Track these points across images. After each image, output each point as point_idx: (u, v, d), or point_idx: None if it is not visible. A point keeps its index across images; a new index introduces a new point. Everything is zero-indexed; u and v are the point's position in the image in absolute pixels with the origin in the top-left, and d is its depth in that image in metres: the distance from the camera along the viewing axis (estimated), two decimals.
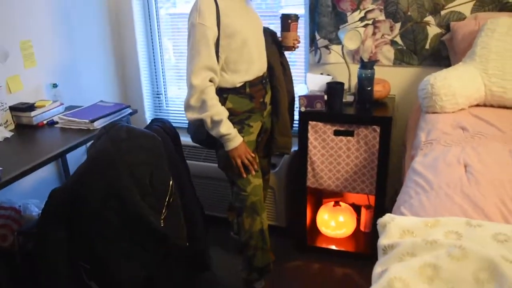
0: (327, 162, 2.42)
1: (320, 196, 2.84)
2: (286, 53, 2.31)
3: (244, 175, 2.05)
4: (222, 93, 1.99)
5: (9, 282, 1.91)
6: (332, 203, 2.69)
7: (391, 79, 2.54)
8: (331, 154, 2.40)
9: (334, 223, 2.63)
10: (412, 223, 0.97)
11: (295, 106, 2.39)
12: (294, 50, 2.25)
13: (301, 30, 2.69)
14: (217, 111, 1.90)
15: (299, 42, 2.23)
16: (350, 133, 2.34)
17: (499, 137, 1.61)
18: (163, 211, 1.81)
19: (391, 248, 0.92)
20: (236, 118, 2.03)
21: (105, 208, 1.69)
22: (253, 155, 2.04)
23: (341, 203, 2.69)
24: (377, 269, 0.90)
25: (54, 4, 2.57)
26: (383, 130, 2.26)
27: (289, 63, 2.33)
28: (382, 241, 0.95)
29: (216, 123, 1.91)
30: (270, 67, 2.18)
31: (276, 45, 2.23)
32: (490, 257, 0.82)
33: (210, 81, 1.89)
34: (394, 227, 0.96)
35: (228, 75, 1.97)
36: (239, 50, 1.94)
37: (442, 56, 2.45)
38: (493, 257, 0.82)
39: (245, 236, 2.17)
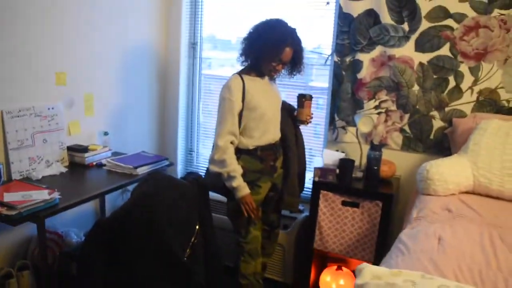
0: (334, 228, 2.71)
1: (325, 260, 3.09)
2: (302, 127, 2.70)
3: (249, 215, 2.36)
4: (237, 153, 2.34)
5: None
6: (335, 267, 2.94)
7: (398, 162, 2.87)
8: (338, 221, 2.70)
9: (335, 286, 2.87)
10: (381, 271, 1.27)
11: (310, 176, 2.74)
12: (307, 124, 2.58)
13: (323, 111, 3.09)
14: (234, 168, 2.28)
15: (311, 118, 2.55)
16: (356, 205, 2.64)
17: (476, 220, 1.90)
18: (188, 249, 2.13)
19: (361, 287, 1.22)
20: (247, 178, 2.35)
21: (143, 241, 2.02)
22: (255, 206, 2.35)
23: (343, 267, 2.94)
24: None
25: (117, 64, 3.06)
26: (385, 205, 2.56)
27: (303, 135, 2.70)
28: (357, 281, 1.25)
29: (231, 177, 2.29)
30: (284, 136, 2.54)
31: (292, 119, 2.60)
32: None
33: (231, 143, 2.30)
34: (367, 272, 1.26)
35: (244, 139, 2.35)
36: (257, 121, 2.34)
37: (444, 146, 2.78)
38: None
39: (240, 278, 2.51)
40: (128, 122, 3.25)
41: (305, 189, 2.80)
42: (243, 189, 2.32)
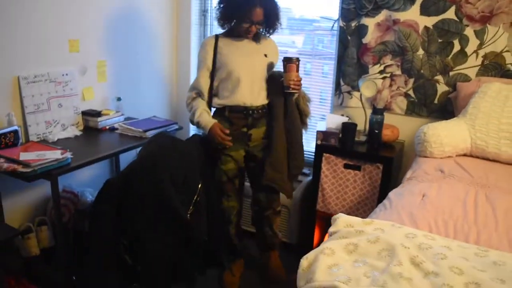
0: (336, 191, 2.80)
1: (329, 221, 3.19)
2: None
3: (228, 144, 2.43)
4: (214, 115, 2.50)
5: (66, 249, 2.38)
6: None
7: (402, 126, 2.91)
8: (340, 184, 2.78)
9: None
10: (353, 220, 1.35)
11: (310, 147, 2.69)
12: (292, 90, 2.36)
13: (329, 76, 3.13)
14: (194, 105, 2.46)
15: (296, 83, 2.34)
16: (357, 168, 2.71)
17: (466, 180, 1.96)
18: (191, 207, 2.25)
19: (334, 233, 1.31)
20: (217, 145, 2.43)
21: (147, 197, 2.15)
22: (227, 131, 2.41)
23: None
24: (321, 245, 1.29)
25: (129, 31, 3.15)
26: (385, 168, 2.63)
27: (295, 105, 2.52)
28: (330, 229, 1.34)
29: (193, 115, 2.45)
30: (270, 105, 2.51)
31: (281, 87, 2.44)
32: (393, 243, 1.19)
33: (196, 95, 2.51)
34: (341, 221, 1.35)
35: (215, 98, 2.48)
36: (226, 81, 2.42)
37: (448, 110, 2.80)
38: (395, 243, 1.19)
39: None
40: (141, 88, 3.37)
41: (305, 156, 2.70)
42: (207, 121, 2.41)
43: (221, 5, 2.37)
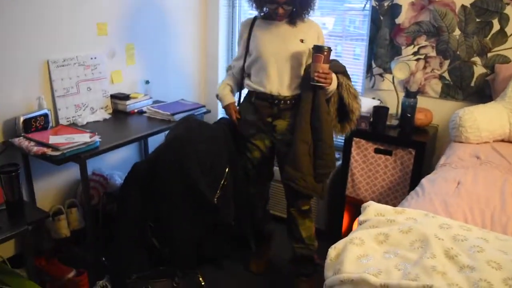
0: (366, 176, 2.73)
1: (359, 207, 3.13)
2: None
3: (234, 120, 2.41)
4: (244, 98, 2.45)
5: (95, 231, 2.41)
6: None
7: (436, 110, 2.80)
8: (370, 169, 2.71)
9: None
10: (385, 209, 1.30)
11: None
12: (316, 83, 2.09)
13: (361, 59, 3.03)
14: (223, 81, 2.51)
15: (319, 74, 2.06)
16: (388, 152, 2.64)
17: (503, 167, 1.87)
18: (218, 191, 2.24)
19: (364, 222, 1.26)
20: (242, 130, 2.39)
21: (174, 180, 2.15)
22: (238, 116, 2.40)
23: None
24: (350, 234, 1.25)
25: (157, 14, 3.12)
26: (418, 153, 2.54)
27: (323, 100, 2.20)
28: (360, 217, 1.30)
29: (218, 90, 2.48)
30: (299, 99, 2.25)
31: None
32: (426, 233, 1.14)
33: (229, 70, 2.53)
34: (371, 209, 1.30)
35: (247, 79, 2.39)
36: (256, 61, 2.29)
37: (485, 94, 2.68)
38: (429, 234, 1.14)
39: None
40: (169, 71, 3.35)
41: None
42: (225, 97, 2.43)
43: None
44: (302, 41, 2.23)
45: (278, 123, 2.32)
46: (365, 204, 1.35)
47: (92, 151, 2.21)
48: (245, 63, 2.36)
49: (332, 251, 1.18)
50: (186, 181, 2.10)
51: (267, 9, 2.23)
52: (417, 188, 1.70)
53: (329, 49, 2.06)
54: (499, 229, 1.34)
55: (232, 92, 2.48)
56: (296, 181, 2.22)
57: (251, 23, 2.32)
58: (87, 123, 2.63)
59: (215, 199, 2.21)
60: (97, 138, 2.26)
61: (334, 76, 2.17)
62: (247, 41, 2.32)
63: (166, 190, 2.16)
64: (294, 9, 2.18)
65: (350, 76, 2.32)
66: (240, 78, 2.44)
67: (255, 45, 2.28)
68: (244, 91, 2.48)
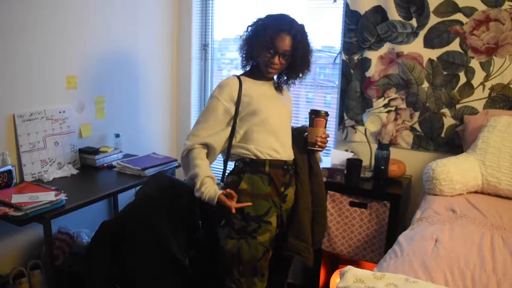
0: (342, 230, 2.69)
1: (336, 262, 3.06)
2: None
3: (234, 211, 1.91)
4: (239, 171, 2.00)
5: None
6: None
7: (409, 161, 2.81)
8: (346, 222, 2.67)
9: None
10: (364, 274, 1.25)
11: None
12: (318, 148, 2.03)
13: (332, 105, 3.05)
14: (195, 172, 1.94)
15: (322, 139, 2.02)
16: (363, 205, 2.61)
17: (479, 221, 1.85)
18: (190, 250, 2.15)
19: None
20: (253, 211, 1.95)
21: (144, 241, 2.06)
22: (234, 194, 1.92)
23: None
24: None
25: (128, 67, 3.11)
26: (393, 206, 2.52)
27: (319, 164, 2.18)
28: (339, 284, 1.24)
29: (194, 183, 1.94)
30: (295, 164, 2.09)
31: (304, 143, 2.09)
32: None
33: (202, 145, 1.99)
34: (350, 275, 1.25)
35: (249, 144, 1.98)
36: (262, 125, 1.98)
37: (455, 144, 2.71)
38: None
39: None
40: (140, 124, 3.30)
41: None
42: (210, 193, 1.92)
43: (248, 27, 2.02)
44: (289, 105, 2.17)
45: (289, 192, 2.06)
46: (343, 270, 1.30)
47: (58, 210, 2.11)
48: (234, 131, 2.01)
49: None
50: (157, 242, 2.01)
51: (251, 64, 2.07)
52: (395, 247, 1.66)
53: (327, 114, 2.04)
54: None
55: (214, 182, 2.00)
56: (301, 252, 2.03)
57: (239, 85, 2.00)
58: (54, 179, 2.54)
59: (187, 259, 2.12)
60: (63, 197, 2.16)
61: None
62: (237, 105, 1.98)
63: (136, 251, 2.06)
64: (286, 72, 2.07)
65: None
66: (226, 150, 2.07)
67: (258, 107, 1.97)
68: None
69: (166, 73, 3.47)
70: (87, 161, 2.79)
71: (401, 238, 1.75)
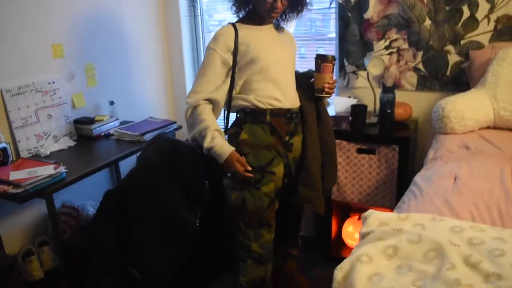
0: (351, 178, 2.63)
1: (347, 211, 3.03)
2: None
3: (247, 175, 1.91)
4: (240, 122, 1.98)
5: (66, 269, 2.22)
6: (357, 216, 2.88)
7: (414, 103, 2.73)
8: (354, 170, 2.61)
9: (358, 235, 2.81)
10: (387, 217, 1.19)
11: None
12: (326, 94, 1.99)
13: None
14: (204, 125, 1.89)
15: (329, 85, 1.98)
16: (372, 151, 2.54)
17: (496, 156, 1.79)
18: (198, 214, 2.09)
19: (367, 234, 1.15)
20: (255, 161, 1.92)
21: (150, 208, 2.00)
22: (249, 168, 1.91)
23: None
24: (354, 250, 1.13)
25: (115, 32, 2.96)
26: (402, 149, 2.45)
27: (327, 111, 2.15)
28: (362, 229, 1.18)
29: (202, 137, 1.90)
30: (301, 110, 2.04)
31: (311, 89, 2.05)
32: (439, 241, 1.03)
33: (206, 101, 1.93)
34: (373, 219, 1.18)
35: (248, 95, 1.94)
36: (261, 74, 1.92)
37: (462, 82, 2.62)
38: (442, 241, 1.03)
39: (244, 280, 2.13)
40: (134, 89, 3.19)
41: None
42: (223, 148, 1.88)
43: None
44: (288, 49, 2.08)
45: (295, 141, 2.04)
46: (365, 214, 1.23)
47: (59, 184, 2.04)
48: (233, 82, 1.95)
49: (339, 272, 1.05)
50: (164, 207, 1.95)
51: (245, 9, 1.99)
52: (413, 188, 1.59)
53: (334, 58, 1.96)
54: (510, 224, 1.24)
55: (223, 138, 1.95)
56: (314, 202, 2.02)
57: (235, 33, 1.92)
58: (51, 153, 2.45)
59: (197, 223, 2.07)
60: (62, 169, 2.09)
61: None
62: (235, 54, 1.91)
63: (142, 219, 2.00)
64: (286, 11, 2.00)
65: None
66: (226, 102, 2.02)
67: (256, 55, 1.90)
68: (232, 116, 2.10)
69: (155, 33, 3.32)
70: (83, 132, 2.70)
71: (418, 178, 1.68)
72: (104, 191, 2.15)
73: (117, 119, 2.84)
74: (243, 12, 2.01)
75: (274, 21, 2.04)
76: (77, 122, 2.70)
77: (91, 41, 2.80)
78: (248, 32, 1.95)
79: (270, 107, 1.93)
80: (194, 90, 1.95)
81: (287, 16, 2.04)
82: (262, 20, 1.99)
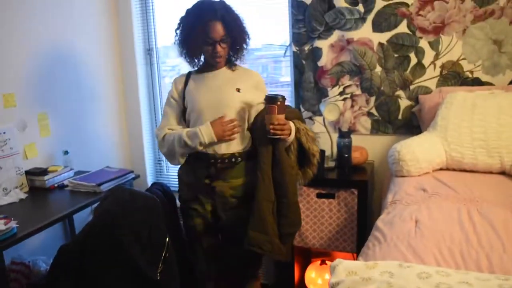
0: (312, 223, 2.64)
1: (309, 256, 3.02)
2: None
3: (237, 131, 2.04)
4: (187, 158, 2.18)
5: None
6: (319, 261, 2.87)
7: (370, 146, 2.81)
8: (315, 215, 2.62)
9: (321, 281, 2.80)
10: (355, 265, 1.19)
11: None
12: (272, 136, 1.94)
13: (288, 103, 3.00)
14: (177, 133, 2.08)
15: (274, 126, 1.92)
16: (331, 196, 2.57)
17: (452, 197, 1.84)
18: (160, 265, 2.02)
19: (337, 285, 1.14)
20: (183, 195, 2.20)
21: (109, 261, 1.91)
22: (236, 123, 2.04)
23: (327, 261, 2.87)
24: None
25: (70, 80, 2.91)
26: (361, 193, 2.50)
27: (284, 152, 2.05)
28: (332, 280, 1.17)
29: (183, 142, 2.04)
30: (257, 152, 2.06)
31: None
32: None
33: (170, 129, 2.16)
34: (341, 268, 1.18)
35: None
36: (198, 120, 2.08)
37: (413, 125, 2.73)
38: None
39: None
40: (90, 137, 3.11)
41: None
42: (201, 127, 2.02)
43: (177, 31, 2.07)
44: (238, 90, 2.07)
45: (218, 185, 2.09)
46: (333, 263, 1.23)
47: (9, 240, 1.91)
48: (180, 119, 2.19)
49: None
50: (123, 260, 1.87)
51: (200, 61, 2.14)
52: (376, 233, 1.61)
53: (283, 98, 1.93)
54: (473, 266, 1.27)
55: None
56: (262, 246, 1.96)
57: (185, 79, 2.16)
58: (1, 206, 2.32)
59: (158, 274, 1.99)
60: (13, 224, 1.97)
61: (291, 124, 2.03)
62: (182, 98, 2.14)
63: (101, 273, 1.91)
64: (231, 51, 2.10)
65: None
66: None
67: (190, 100, 2.10)
68: None
69: (111, 82, 3.29)
70: (35, 183, 2.59)
71: (379, 223, 1.71)
72: (57, 246, 2.04)
73: (72, 169, 2.75)
74: (197, 62, 2.14)
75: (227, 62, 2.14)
76: (29, 173, 2.59)
77: (44, 89, 2.73)
78: (196, 80, 2.14)
79: (194, 151, 2.09)
80: (159, 127, 2.21)
81: (235, 54, 2.12)
82: (213, 66, 2.11)
